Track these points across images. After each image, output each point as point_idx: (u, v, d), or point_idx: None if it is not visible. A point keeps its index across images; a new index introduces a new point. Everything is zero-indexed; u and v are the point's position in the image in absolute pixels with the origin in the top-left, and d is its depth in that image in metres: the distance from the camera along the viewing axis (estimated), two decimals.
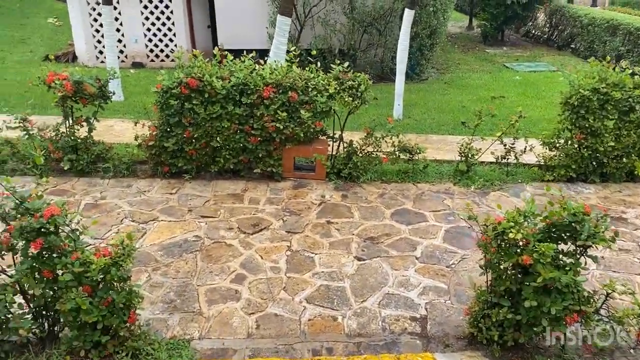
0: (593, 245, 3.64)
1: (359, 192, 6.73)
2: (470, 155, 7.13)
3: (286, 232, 5.71)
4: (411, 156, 7.13)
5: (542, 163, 7.25)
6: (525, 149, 7.08)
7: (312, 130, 6.76)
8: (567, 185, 7.00)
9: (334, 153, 7.12)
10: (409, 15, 9.28)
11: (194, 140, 6.63)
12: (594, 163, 7.02)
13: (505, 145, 7.13)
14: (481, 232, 3.88)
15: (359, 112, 7.08)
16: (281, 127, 6.53)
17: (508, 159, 7.22)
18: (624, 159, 6.97)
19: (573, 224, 3.67)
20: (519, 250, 3.69)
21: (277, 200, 6.43)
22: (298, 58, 6.90)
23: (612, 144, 6.77)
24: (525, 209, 3.81)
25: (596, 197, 6.69)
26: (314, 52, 7.30)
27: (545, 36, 18.54)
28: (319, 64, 7.02)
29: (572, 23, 16.66)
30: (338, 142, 7.11)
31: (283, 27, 8.79)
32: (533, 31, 19.37)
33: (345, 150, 7.04)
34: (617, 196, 6.72)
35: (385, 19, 12.44)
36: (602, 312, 3.94)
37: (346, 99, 6.57)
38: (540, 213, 3.82)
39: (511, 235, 3.58)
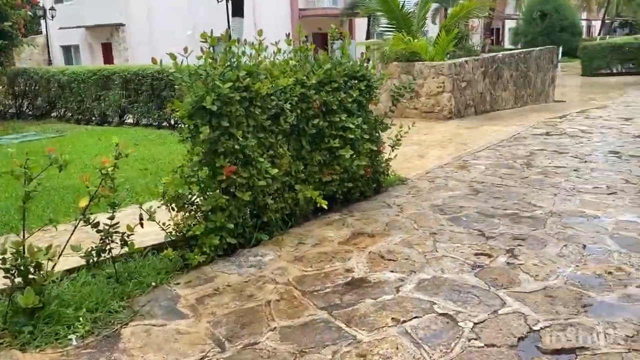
0: None
1: None
2: (34, 269, 2.98)
3: None
4: None
5: (175, 237, 3.84)
6: (141, 219, 3.55)
7: None
8: (230, 261, 3.85)
9: None
10: None
11: None
12: (254, 211, 4.15)
13: (96, 225, 3.38)
14: None
15: None
16: None
17: (111, 249, 3.49)
18: (289, 193, 4.38)
19: None
20: None
21: None
22: None
23: (275, 171, 4.05)
24: None
25: (293, 267, 3.78)
26: None
27: (12, 110, 14.49)
28: None
29: (47, 86, 13.29)
30: None
31: None
32: None
33: None
34: (311, 252, 4.03)
35: None
36: None
37: None
38: None
39: None
